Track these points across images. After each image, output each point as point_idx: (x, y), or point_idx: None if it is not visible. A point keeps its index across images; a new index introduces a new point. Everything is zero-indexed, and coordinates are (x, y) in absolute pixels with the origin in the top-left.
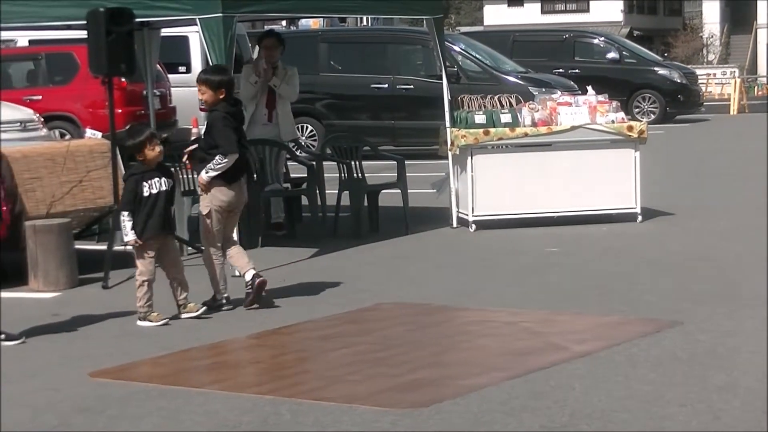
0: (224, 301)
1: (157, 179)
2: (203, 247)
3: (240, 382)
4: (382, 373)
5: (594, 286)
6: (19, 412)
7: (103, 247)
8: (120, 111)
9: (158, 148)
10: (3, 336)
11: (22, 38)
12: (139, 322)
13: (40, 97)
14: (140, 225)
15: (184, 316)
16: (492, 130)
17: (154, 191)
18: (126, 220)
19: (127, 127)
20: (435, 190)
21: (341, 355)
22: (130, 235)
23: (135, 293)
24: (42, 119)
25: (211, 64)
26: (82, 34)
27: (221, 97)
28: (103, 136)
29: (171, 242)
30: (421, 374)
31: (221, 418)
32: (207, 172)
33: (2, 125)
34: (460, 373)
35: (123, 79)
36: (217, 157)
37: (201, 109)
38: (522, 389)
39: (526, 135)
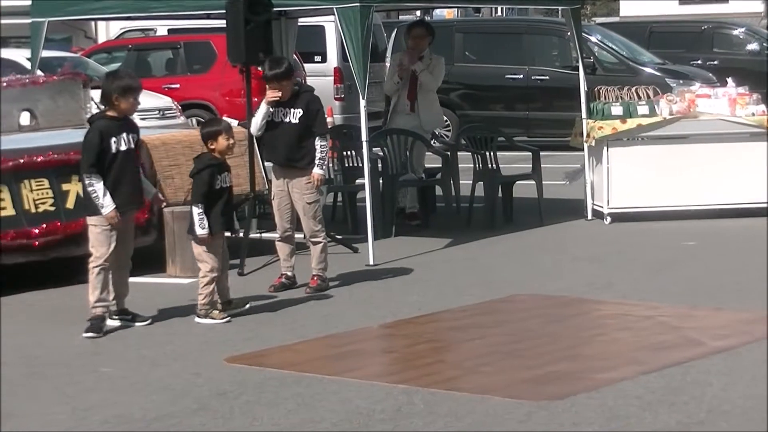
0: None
1: (226, 173)
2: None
3: (374, 371)
4: (517, 364)
5: (733, 281)
6: (159, 396)
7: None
8: (257, 100)
9: (232, 141)
10: (131, 317)
11: (161, 28)
12: (198, 320)
13: (178, 86)
14: (213, 219)
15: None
16: (629, 121)
17: (225, 185)
18: (200, 214)
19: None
20: (566, 180)
21: (476, 346)
22: (203, 231)
23: (198, 290)
24: (180, 107)
25: (348, 53)
26: (221, 23)
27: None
28: (239, 125)
29: (224, 239)
30: (556, 367)
31: (354, 406)
32: (321, 167)
33: (142, 113)
34: (595, 366)
35: (260, 68)
36: (320, 146)
37: (336, 99)
38: (658, 384)
39: (664, 120)
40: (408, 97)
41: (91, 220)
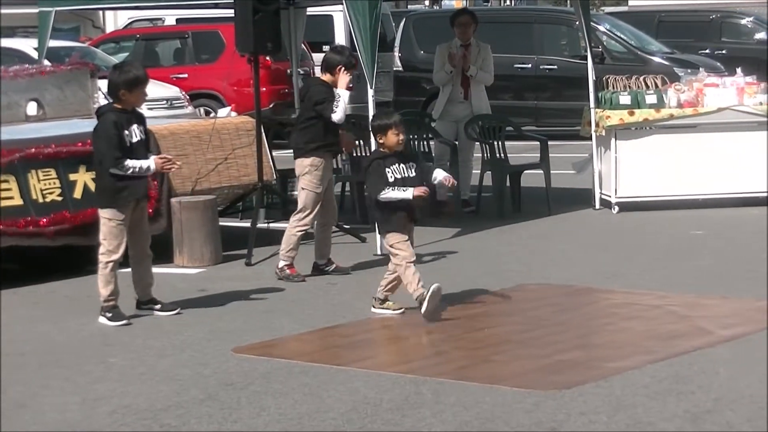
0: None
1: (404, 165)
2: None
3: (382, 361)
4: (527, 354)
5: (741, 270)
6: (167, 386)
7: (246, 224)
8: (264, 89)
9: (402, 136)
10: (159, 306)
11: (169, 17)
12: (374, 309)
13: (186, 75)
14: (393, 215)
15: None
16: (637, 111)
17: (397, 177)
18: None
19: (378, 111)
20: (575, 170)
21: (485, 336)
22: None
23: (404, 281)
24: (188, 97)
25: (356, 43)
26: (229, 13)
27: None
28: (247, 114)
29: (412, 233)
30: (565, 356)
31: (362, 396)
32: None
33: (150, 103)
34: (604, 355)
35: (268, 58)
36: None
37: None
38: (666, 373)
39: (671, 116)
40: (462, 85)
41: (104, 213)
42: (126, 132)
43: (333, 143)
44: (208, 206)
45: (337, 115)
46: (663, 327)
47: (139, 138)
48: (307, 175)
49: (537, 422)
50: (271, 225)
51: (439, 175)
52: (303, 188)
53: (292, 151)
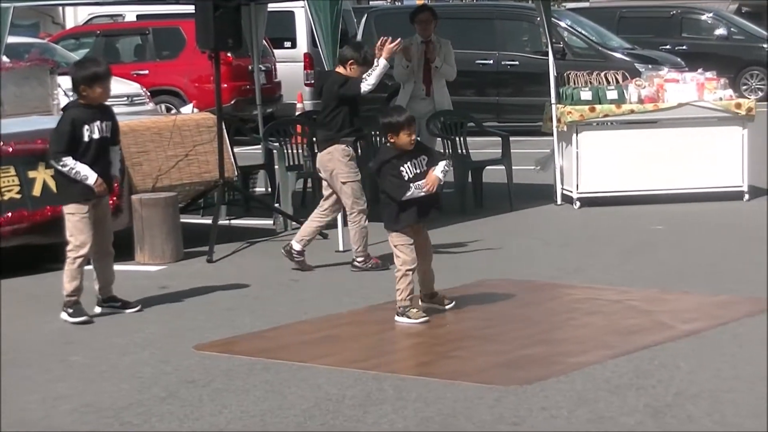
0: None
1: (415, 160)
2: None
3: (344, 357)
4: (489, 349)
5: (701, 265)
6: (128, 384)
7: (208, 221)
8: (226, 86)
9: (414, 136)
10: (120, 304)
11: (129, 13)
12: (397, 318)
13: (147, 72)
14: (402, 213)
15: (446, 306)
16: (598, 106)
17: (411, 175)
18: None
19: (389, 107)
20: (538, 168)
21: (446, 332)
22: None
23: (396, 285)
24: (149, 93)
25: (317, 39)
26: (190, 9)
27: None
28: (208, 110)
29: (424, 230)
30: (526, 351)
31: (324, 393)
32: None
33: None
34: (565, 350)
35: (229, 54)
36: None
37: (306, 84)
38: (627, 368)
39: (632, 112)
40: (423, 82)
41: (68, 208)
42: (86, 128)
43: (361, 128)
44: (169, 203)
45: (367, 83)
46: (624, 322)
47: (102, 135)
48: (344, 168)
49: (498, 418)
50: (233, 222)
51: (438, 168)
52: (344, 182)
53: (318, 148)
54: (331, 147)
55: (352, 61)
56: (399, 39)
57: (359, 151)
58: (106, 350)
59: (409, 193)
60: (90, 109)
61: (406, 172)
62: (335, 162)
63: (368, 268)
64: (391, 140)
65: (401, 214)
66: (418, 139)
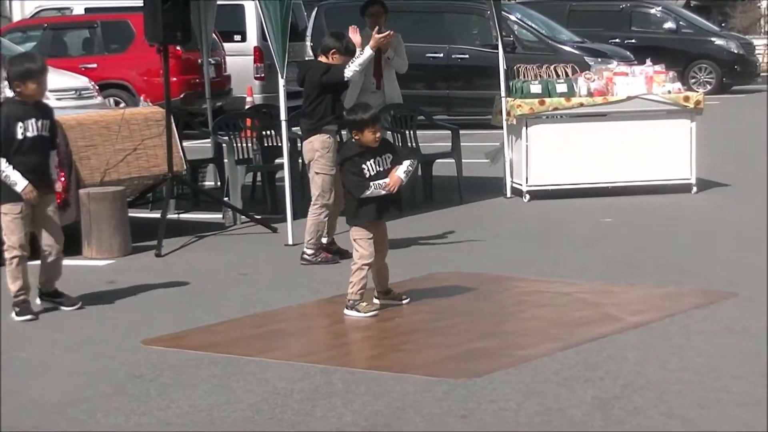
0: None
1: (379, 158)
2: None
3: (293, 351)
4: (438, 342)
5: (649, 257)
6: (75, 380)
7: (156, 215)
8: (175, 79)
9: (379, 134)
10: (62, 299)
11: (78, 6)
12: (346, 312)
13: (95, 65)
14: (361, 209)
15: (402, 302)
16: (547, 99)
17: (373, 173)
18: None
19: (355, 105)
20: (489, 160)
21: (395, 325)
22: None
23: (350, 278)
24: (97, 87)
25: (267, 33)
26: (138, 2)
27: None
28: (157, 104)
29: (383, 225)
30: (475, 344)
31: (272, 387)
32: None
33: (58, 93)
34: (514, 343)
35: (178, 48)
36: None
37: (256, 78)
38: (575, 360)
39: (581, 105)
40: (374, 75)
41: (2, 208)
42: (20, 125)
43: (341, 116)
44: (117, 197)
45: (350, 70)
46: (572, 314)
47: (37, 133)
48: (320, 159)
49: (447, 410)
50: (182, 216)
51: (401, 168)
52: (317, 172)
53: (302, 138)
54: (312, 137)
55: (334, 50)
56: (390, 31)
57: (342, 139)
58: (52, 346)
59: (368, 192)
60: (25, 106)
61: (368, 170)
62: (313, 152)
63: (317, 262)
64: (356, 137)
65: (360, 210)
66: (387, 135)
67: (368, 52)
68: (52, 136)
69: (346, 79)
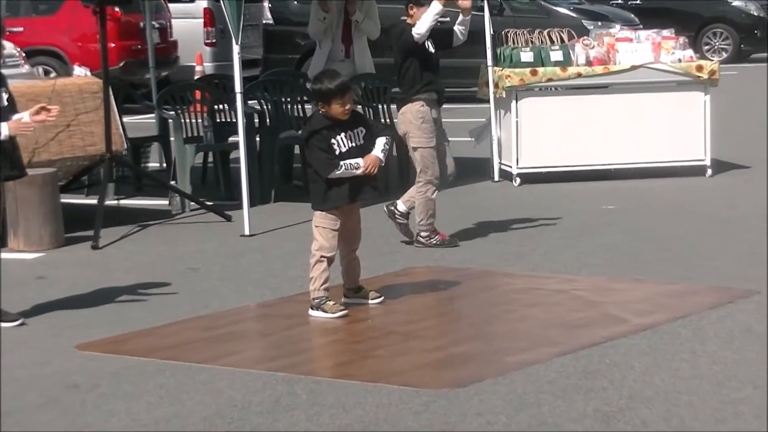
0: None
1: (351, 132)
2: None
3: (250, 357)
4: (415, 347)
5: (657, 250)
6: (2, 389)
7: (93, 201)
8: (113, 45)
9: (349, 107)
10: None
11: None
12: (311, 312)
13: (21, 29)
14: (330, 191)
15: (371, 302)
16: (540, 69)
17: (344, 149)
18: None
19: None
20: (473, 139)
21: (367, 327)
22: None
23: (309, 273)
24: (24, 54)
25: None
26: None
27: None
28: (93, 74)
29: (356, 211)
30: (458, 349)
31: (227, 398)
32: None
33: None
34: (503, 348)
35: (117, 9)
36: None
37: (206, 44)
38: (574, 367)
39: (579, 75)
40: (343, 41)
41: None
42: None
43: (433, 81)
44: (47, 181)
45: (417, 31)
46: (570, 315)
47: None
48: (416, 131)
49: (427, 425)
50: (122, 202)
51: (378, 145)
52: (414, 147)
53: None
54: (404, 107)
55: (411, 4)
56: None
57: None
58: None
59: (338, 172)
60: None
61: (338, 146)
62: (408, 124)
63: (432, 245)
64: (323, 110)
65: (329, 192)
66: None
67: (435, 6)
68: (10, 104)
69: (416, 41)
